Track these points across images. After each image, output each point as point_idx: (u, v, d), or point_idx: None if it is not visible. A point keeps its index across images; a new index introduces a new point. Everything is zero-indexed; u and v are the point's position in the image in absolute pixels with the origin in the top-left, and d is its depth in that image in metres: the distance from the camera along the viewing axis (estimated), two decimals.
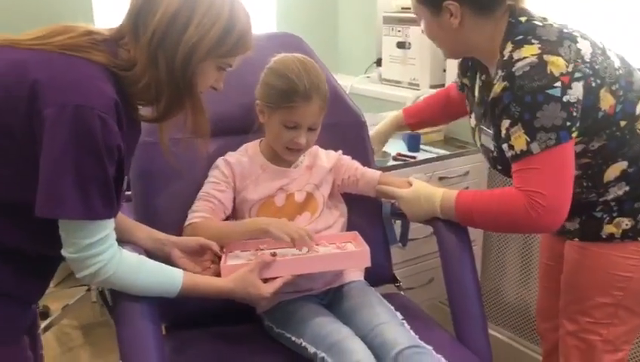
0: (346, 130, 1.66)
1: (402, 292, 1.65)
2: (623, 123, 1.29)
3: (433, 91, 1.99)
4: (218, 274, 1.28)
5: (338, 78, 1.74)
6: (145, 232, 1.33)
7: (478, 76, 1.45)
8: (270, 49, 1.48)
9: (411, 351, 1.20)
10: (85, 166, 0.99)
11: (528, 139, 1.21)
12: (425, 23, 1.38)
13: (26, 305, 1.14)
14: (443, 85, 2.36)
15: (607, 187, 1.32)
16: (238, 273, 1.24)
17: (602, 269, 1.35)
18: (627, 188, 1.32)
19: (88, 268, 1.07)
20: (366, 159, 1.64)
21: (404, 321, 1.33)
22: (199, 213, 1.42)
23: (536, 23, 1.29)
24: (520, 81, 1.21)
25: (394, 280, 1.66)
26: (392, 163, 1.96)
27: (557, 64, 1.21)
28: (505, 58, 1.26)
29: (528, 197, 1.23)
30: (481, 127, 1.41)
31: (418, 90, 2.39)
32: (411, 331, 1.29)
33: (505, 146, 1.27)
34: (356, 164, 1.58)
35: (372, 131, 1.76)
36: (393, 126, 1.82)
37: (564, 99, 1.20)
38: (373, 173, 1.56)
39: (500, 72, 1.27)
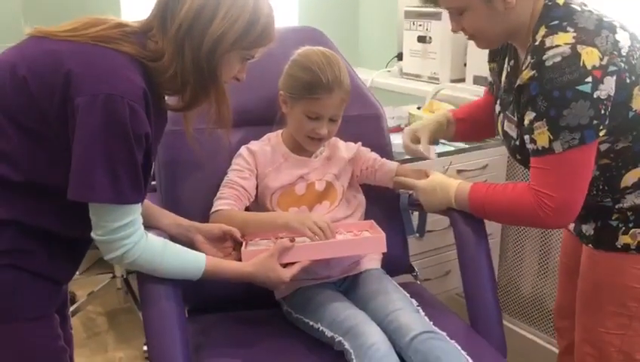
0: (364, 123, 1.69)
1: (419, 282, 1.69)
2: None
3: (453, 85, 1.99)
4: (239, 260, 1.32)
5: (359, 72, 1.77)
6: (169, 218, 1.38)
7: (507, 61, 1.41)
8: (292, 42, 1.52)
9: (425, 336, 1.24)
10: (115, 152, 1.04)
11: (551, 137, 1.18)
12: (472, 13, 1.26)
13: (57, 285, 1.19)
14: (463, 80, 2.37)
15: (624, 193, 1.28)
16: (258, 258, 1.28)
17: (616, 280, 1.32)
18: None
19: (116, 250, 1.12)
20: (384, 151, 1.68)
21: (419, 308, 1.36)
22: (225, 201, 1.46)
23: (575, 7, 1.23)
24: (549, 73, 1.16)
25: (411, 270, 1.70)
26: (408, 156, 1.98)
27: (591, 56, 1.15)
28: (537, 43, 1.20)
29: (537, 197, 1.22)
30: (507, 113, 1.37)
31: (438, 83, 2.41)
32: (426, 317, 1.32)
33: (527, 138, 1.24)
34: (374, 155, 1.61)
35: (414, 126, 1.63)
36: (439, 122, 1.62)
37: (595, 95, 1.15)
38: (391, 165, 1.60)
39: (529, 58, 1.21)
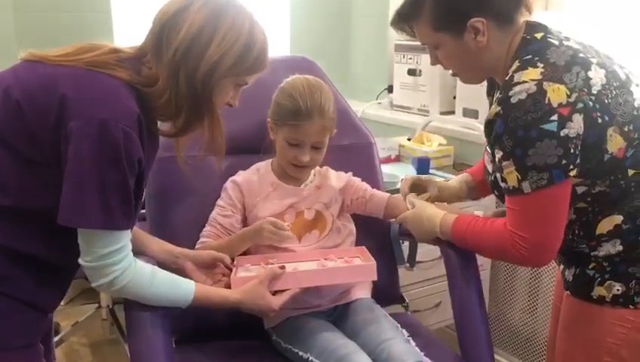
0: (356, 152, 1.70)
1: (409, 313, 1.67)
2: (631, 172, 1.17)
3: (443, 117, 1.99)
4: (229, 287, 1.31)
5: (349, 104, 1.79)
6: (158, 245, 1.36)
7: (495, 94, 1.37)
8: (284, 71, 1.54)
9: None
10: (108, 177, 1.03)
11: (519, 177, 1.14)
12: (444, 51, 1.26)
13: (43, 313, 1.17)
14: (453, 112, 2.40)
15: (600, 240, 1.22)
16: (247, 285, 1.27)
17: (591, 332, 1.25)
18: (620, 248, 1.20)
19: (105, 276, 1.11)
20: (375, 180, 1.68)
21: (410, 338, 1.35)
22: (203, 239, 1.48)
23: (552, 41, 1.19)
24: (514, 111, 1.12)
25: (401, 300, 1.69)
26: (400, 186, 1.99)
27: (557, 93, 1.11)
28: (507, 78, 1.18)
29: (511, 237, 1.19)
30: (487, 147, 1.33)
31: (428, 115, 2.44)
32: (417, 348, 1.31)
33: (498, 176, 1.22)
34: (365, 185, 1.61)
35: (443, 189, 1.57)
36: (463, 185, 1.58)
37: (562, 133, 1.10)
38: (381, 196, 1.60)
39: (498, 94, 1.19)
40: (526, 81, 1.13)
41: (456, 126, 2.34)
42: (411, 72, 2.50)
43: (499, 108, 1.15)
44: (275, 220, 1.43)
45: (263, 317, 1.45)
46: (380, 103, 2.78)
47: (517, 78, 1.15)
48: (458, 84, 2.33)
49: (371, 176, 1.68)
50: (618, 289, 1.20)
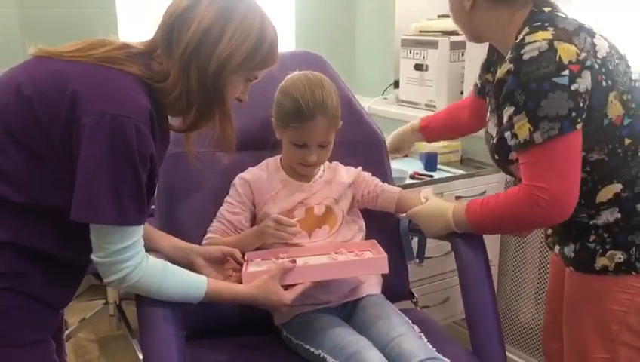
0: (365, 148, 1.69)
1: (419, 308, 1.67)
2: (627, 141, 1.24)
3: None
4: (240, 282, 1.30)
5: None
6: (168, 241, 1.36)
7: (498, 68, 1.39)
8: (291, 66, 1.52)
9: None
10: (120, 173, 1.03)
11: (531, 128, 1.19)
12: (449, 3, 1.39)
13: (54, 310, 1.17)
14: None
15: (599, 209, 1.28)
16: (259, 280, 1.27)
17: (597, 303, 1.31)
18: (619, 216, 1.27)
19: (116, 273, 1.11)
20: (385, 176, 1.67)
21: (421, 334, 1.34)
22: (210, 235, 1.47)
23: (559, 14, 1.28)
24: (526, 66, 1.18)
25: (411, 296, 1.68)
26: (409, 181, 1.99)
27: (568, 51, 1.17)
28: (517, 41, 1.24)
29: (530, 192, 1.21)
30: (491, 114, 1.39)
31: (435, 110, 2.43)
32: (429, 344, 1.31)
33: (508, 135, 1.25)
34: (376, 180, 1.61)
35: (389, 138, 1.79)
36: (408, 130, 1.83)
37: (572, 87, 1.16)
38: (393, 190, 1.59)
39: (509, 54, 1.24)
40: (537, 41, 1.20)
41: None
42: (418, 67, 2.49)
43: (511, 65, 1.21)
44: (280, 217, 1.40)
45: (273, 313, 1.45)
46: (386, 99, 2.77)
47: (528, 39, 1.21)
48: (465, 79, 2.32)
49: (382, 173, 1.67)
50: (620, 258, 1.26)
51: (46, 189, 1.06)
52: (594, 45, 1.22)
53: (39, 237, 1.08)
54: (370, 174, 1.62)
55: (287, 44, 2.83)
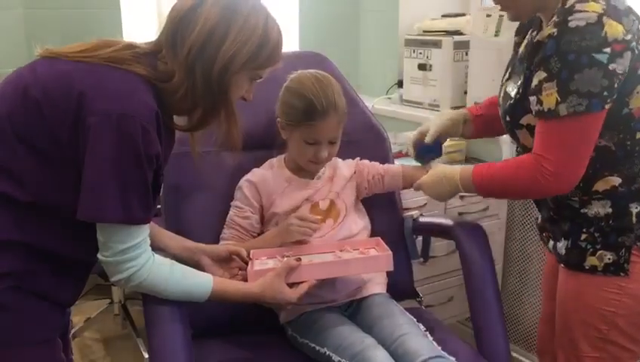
0: (369, 147, 1.69)
1: (423, 307, 1.67)
2: (639, 136, 1.23)
3: (454, 111, 1.98)
4: (245, 280, 1.31)
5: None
6: (174, 240, 1.37)
7: (530, 32, 1.38)
8: (296, 67, 1.52)
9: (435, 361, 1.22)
10: (127, 172, 1.03)
11: (559, 99, 1.16)
12: None
13: (61, 308, 1.17)
14: (464, 107, 2.38)
15: (593, 197, 1.27)
16: (264, 278, 1.28)
17: (586, 302, 1.30)
18: (610, 211, 1.26)
19: (122, 272, 1.11)
20: None
21: (427, 332, 1.35)
22: (226, 243, 1.47)
23: None
24: (569, 35, 1.14)
25: (415, 295, 1.68)
26: None
27: (615, 29, 1.13)
28: (566, 6, 1.19)
29: (537, 161, 1.21)
30: (514, 75, 1.35)
31: (439, 110, 2.43)
32: (434, 342, 1.31)
33: (533, 99, 1.22)
34: (376, 164, 1.62)
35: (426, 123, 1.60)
36: (460, 119, 1.58)
37: (610, 67, 1.13)
38: (395, 167, 1.62)
39: (554, 18, 1.20)
40: (587, 11, 1.15)
41: None
42: (421, 67, 2.49)
43: (554, 30, 1.17)
44: (303, 214, 1.45)
45: (278, 311, 1.46)
46: (389, 98, 2.77)
47: (578, 7, 1.17)
48: (469, 78, 2.32)
49: None
50: (609, 258, 1.26)
51: (54, 189, 1.07)
52: (639, 31, 1.19)
53: (47, 236, 1.09)
54: (368, 160, 1.63)
55: (290, 44, 2.84)
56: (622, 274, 1.26)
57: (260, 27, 1.12)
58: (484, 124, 1.59)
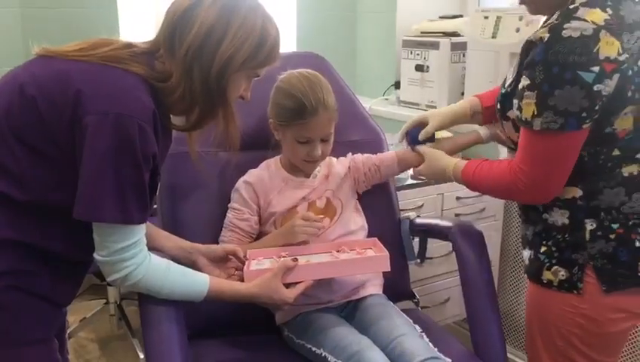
0: (366, 147, 1.69)
1: (420, 308, 1.67)
2: (616, 153, 1.16)
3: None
4: (242, 281, 1.31)
5: None
6: (171, 240, 1.36)
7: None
8: (295, 67, 1.52)
9: None
10: (123, 172, 1.03)
11: (536, 112, 1.11)
12: None
13: (58, 308, 1.17)
14: None
15: (555, 203, 1.22)
16: (261, 278, 1.27)
17: (544, 315, 1.28)
18: (567, 222, 1.21)
19: (119, 271, 1.11)
20: None
21: (423, 334, 1.35)
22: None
23: None
24: (559, 45, 1.08)
25: (411, 296, 1.69)
26: (410, 182, 1.98)
27: (610, 47, 1.06)
28: (571, 7, 1.12)
29: (514, 172, 1.20)
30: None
31: None
32: (430, 343, 1.31)
33: (515, 103, 1.18)
34: (371, 155, 1.63)
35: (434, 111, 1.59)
36: (467, 113, 1.54)
37: (595, 87, 1.07)
38: (390, 155, 1.62)
39: (554, 18, 1.14)
40: (586, 20, 1.08)
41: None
42: (419, 68, 2.49)
43: (547, 34, 1.10)
44: (308, 214, 1.46)
45: (275, 312, 1.46)
46: (387, 99, 2.77)
47: (580, 13, 1.10)
48: (466, 79, 2.33)
49: None
50: (563, 275, 1.22)
51: (50, 188, 1.06)
52: None
53: (43, 236, 1.08)
54: (361, 154, 1.63)
55: (288, 44, 2.84)
56: (575, 292, 1.21)
57: (258, 26, 1.12)
58: (494, 115, 1.46)
